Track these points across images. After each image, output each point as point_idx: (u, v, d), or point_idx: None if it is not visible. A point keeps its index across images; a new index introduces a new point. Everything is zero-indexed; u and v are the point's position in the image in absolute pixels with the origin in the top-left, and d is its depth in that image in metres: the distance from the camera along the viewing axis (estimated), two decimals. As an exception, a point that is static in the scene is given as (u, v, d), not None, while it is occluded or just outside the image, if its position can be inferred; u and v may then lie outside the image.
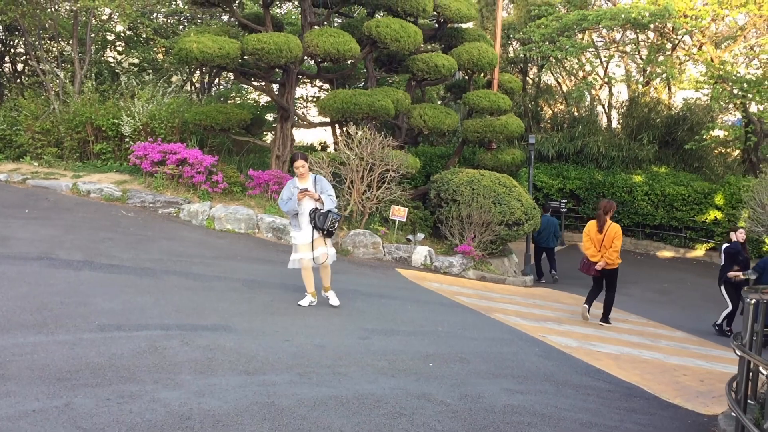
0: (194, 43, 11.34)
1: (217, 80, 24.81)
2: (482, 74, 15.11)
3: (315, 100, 24.17)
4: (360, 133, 11.62)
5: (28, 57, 21.64)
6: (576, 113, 23.46)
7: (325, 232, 7.42)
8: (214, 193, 12.19)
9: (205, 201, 11.89)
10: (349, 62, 13.91)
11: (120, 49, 22.10)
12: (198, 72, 24.63)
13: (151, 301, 6.94)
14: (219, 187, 12.18)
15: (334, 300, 7.89)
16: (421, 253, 11.80)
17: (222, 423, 4.19)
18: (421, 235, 12.43)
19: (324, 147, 27.90)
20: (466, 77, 15.34)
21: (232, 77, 25.24)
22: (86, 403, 4.29)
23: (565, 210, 19.49)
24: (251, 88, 23.94)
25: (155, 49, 20.74)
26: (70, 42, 17.13)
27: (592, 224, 9.57)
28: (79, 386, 4.56)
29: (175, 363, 5.26)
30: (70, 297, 6.72)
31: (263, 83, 14.07)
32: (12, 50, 21.85)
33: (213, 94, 23.48)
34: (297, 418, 4.39)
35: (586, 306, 9.76)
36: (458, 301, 9.56)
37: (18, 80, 21.05)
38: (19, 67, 22.24)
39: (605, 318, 9.65)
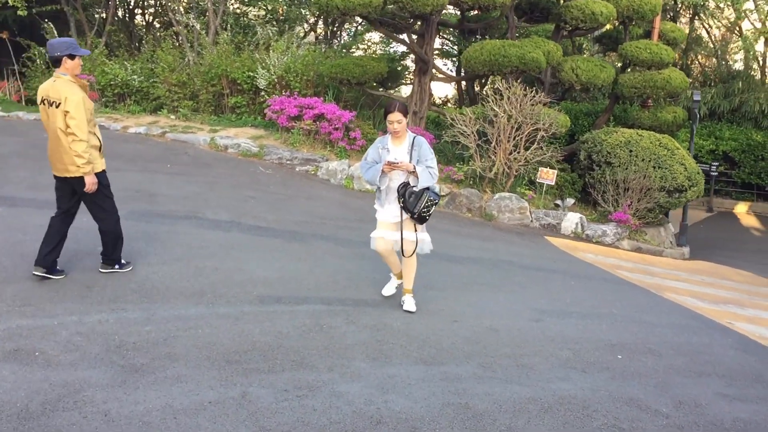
0: (336, -9, 10.71)
1: (339, 32, 24.27)
2: (639, 23, 13.67)
3: (440, 52, 23.18)
4: (510, 89, 10.69)
5: (159, 8, 21.91)
6: (730, 67, 21.30)
7: (416, 216, 5.34)
8: (352, 151, 11.69)
9: (342, 159, 11.41)
10: (497, 11, 12.85)
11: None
12: (322, 23, 24.20)
13: (305, 270, 6.50)
14: (357, 144, 11.66)
15: (410, 305, 5.76)
16: (571, 220, 10.86)
17: (419, 430, 3.62)
18: (570, 200, 11.47)
19: (445, 103, 26.99)
20: (621, 26, 13.93)
21: (354, 29, 24.72)
22: (263, 394, 3.84)
23: (716, 174, 17.75)
24: (380, 38, 23.37)
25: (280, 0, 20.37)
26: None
27: None
28: (252, 371, 4.13)
29: (345, 346, 4.76)
30: (224, 262, 6.38)
31: (403, 34, 13.31)
32: (144, 1, 22.15)
33: (335, 45, 22.94)
34: (502, 429, 3.76)
35: None
36: (622, 277, 8.64)
37: (150, 32, 21.34)
38: (150, 18, 22.55)
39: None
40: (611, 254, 10.24)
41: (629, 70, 13.22)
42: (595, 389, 4.56)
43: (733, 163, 18.55)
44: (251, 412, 3.61)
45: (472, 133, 10.91)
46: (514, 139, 10.92)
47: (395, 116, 5.30)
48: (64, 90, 5.11)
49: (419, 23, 13.14)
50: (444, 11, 13.52)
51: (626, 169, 11.09)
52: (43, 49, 15.92)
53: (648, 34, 13.51)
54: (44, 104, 5.21)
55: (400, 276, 5.92)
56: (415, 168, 5.29)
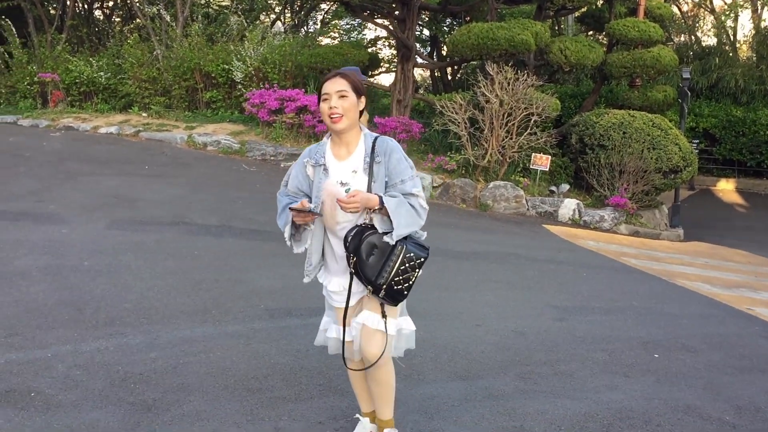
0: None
1: (306, 20, 23.63)
2: (624, 1, 13.37)
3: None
4: (501, 72, 10.30)
5: (119, 1, 21.02)
6: (701, 44, 21.22)
7: (384, 292, 2.83)
8: (338, 143, 11.21)
9: (328, 152, 10.93)
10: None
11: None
12: (288, 11, 23.56)
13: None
14: (343, 136, 11.17)
15: None
16: (569, 206, 10.56)
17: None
18: (566, 186, 11.16)
19: (416, 90, 26.55)
20: (606, 4, 13.59)
21: (321, 17, 24.12)
22: (297, 429, 3.41)
23: (697, 151, 17.67)
24: (349, 26, 22.85)
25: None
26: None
27: None
28: (278, 401, 3.69)
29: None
30: (222, 272, 5.92)
31: (385, 19, 12.84)
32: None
33: (301, 34, 22.30)
34: (568, 456, 3.39)
35: None
36: (629, 264, 8.37)
37: (113, 25, 20.49)
38: (109, 12, 21.66)
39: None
40: (612, 240, 9.97)
41: (616, 48, 12.93)
42: (648, 397, 4.21)
43: (714, 140, 18.49)
44: (289, 453, 3.18)
45: (463, 120, 10.51)
46: (506, 125, 10.55)
47: (334, 84, 2.80)
48: None
49: (400, 7, 12.68)
50: (425, -5, 13.07)
51: (620, 151, 10.81)
52: (2, 48, 15.14)
53: (633, 12, 13.22)
54: None
55: (373, 417, 3.21)
56: (381, 201, 2.75)
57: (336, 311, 3.09)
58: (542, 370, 4.54)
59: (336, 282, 3.01)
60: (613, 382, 4.46)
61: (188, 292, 5.33)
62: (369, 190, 2.83)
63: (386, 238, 2.78)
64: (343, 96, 2.78)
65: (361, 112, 2.93)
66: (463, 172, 10.93)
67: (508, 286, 6.59)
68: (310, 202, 2.89)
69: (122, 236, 6.67)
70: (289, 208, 2.79)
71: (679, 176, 11.05)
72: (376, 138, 2.94)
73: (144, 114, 13.23)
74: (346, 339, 3.02)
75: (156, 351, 4.23)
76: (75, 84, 14.09)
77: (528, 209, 10.56)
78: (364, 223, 2.82)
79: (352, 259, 2.80)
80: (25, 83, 14.51)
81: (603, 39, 16.05)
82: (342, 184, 2.87)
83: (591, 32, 14.85)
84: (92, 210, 7.53)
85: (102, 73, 14.15)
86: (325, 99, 2.82)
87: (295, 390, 3.85)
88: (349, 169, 2.89)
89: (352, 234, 2.80)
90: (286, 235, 2.95)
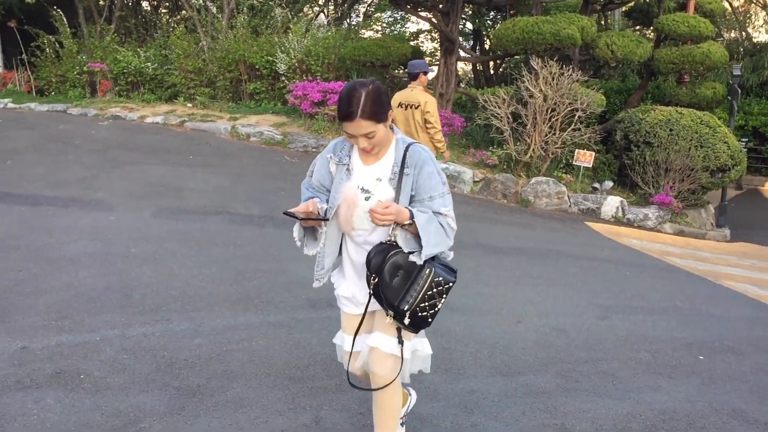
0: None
1: (349, 13, 23.66)
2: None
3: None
4: (546, 67, 10.18)
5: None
6: (752, 40, 20.65)
7: (408, 319, 2.55)
8: (379, 136, 11.21)
9: (369, 145, 10.95)
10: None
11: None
12: (332, 3, 23.64)
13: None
14: (384, 129, 11.17)
15: None
16: (612, 204, 10.40)
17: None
18: (609, 183, 10.98)
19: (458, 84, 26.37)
20: (655, -1, 13.33)
21: (364, 10, 24.11)
22: (338, 420, 3.44)
23: (746, 149, 17.23)
24: (393, 18, 22.80)
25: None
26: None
27: None
28: (319, 391, 3.73)
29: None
30: (264, 262, 5.98)
31: (429, 12, 12.79)
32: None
33: (344, 27, 22.32)
34: (610, 456, 3.35)
35: None
36: (674, 264, 8.20)
37: (160, 16, 20.79)
38: (156, 3, 21.98)
39: None
40: (656, 239, 9.79)
41: (664, 44, 12.67)
42: (692, 400, 4.14)
43: (763, 138, 18.02)
44: (330, 443, 3.21)
45: (506, 114, 10.42)
46: (550, 120, 10.43)
47: (358, 128, 2.45)
48: (422, 97, 7.21)
49: (444, 0, 12.60)
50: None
51: (667, 148, 10.60)
52: (53, 37, 15.48)
53: (682, 7, 12.91)
54: (401, 107, 7.25)
55: None
56: (411, 215, 2.47)
57: (344, 316, 2.88)
58: (584, 369, 4.49)
59: (346, 287, 2.80)
60: (656, 382, 4.40)
61: (231, 280, 5.40)
62: (397, 196, 2.58)
63: (413, 257, 2.50)
64: (369, 135, 2.47)
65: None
66: (505, 167, 10.84)
67: (549, 282, 6.52)
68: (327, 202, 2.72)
69: (167, 224, 6.79)
70: (284, 213, 2.53)
71: (727, 175, 10.79)
72: (408, 146, 2.62)
73: (189, 104, 13.42)
74: (354, 349, 2.79)
75: (200, 338, 4.30)
76: (123, 74, 14.36)
77: (570, 206, 10.43)
78: (388, 241, 2.54)
79: (374, 279, 2.53)
80: (75, 73, 14.82)
81: (650, 34, 15.75)
82: (363, 190, 2.60)
83: (638, 27, 14.56)
84: (138, 198, 7.68)
85: (149, 64, 14.39)
86: (351, 136, 2.52)
87: (336, 381, 3.88)
88: (374, 175, 2.61)
89: (374, 252, 2.52)
90: (296, 235, 2.66)
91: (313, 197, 2.64)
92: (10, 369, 3.70)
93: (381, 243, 2.56)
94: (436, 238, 2.49)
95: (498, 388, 4.00)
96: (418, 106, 7.15)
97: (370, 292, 2.58)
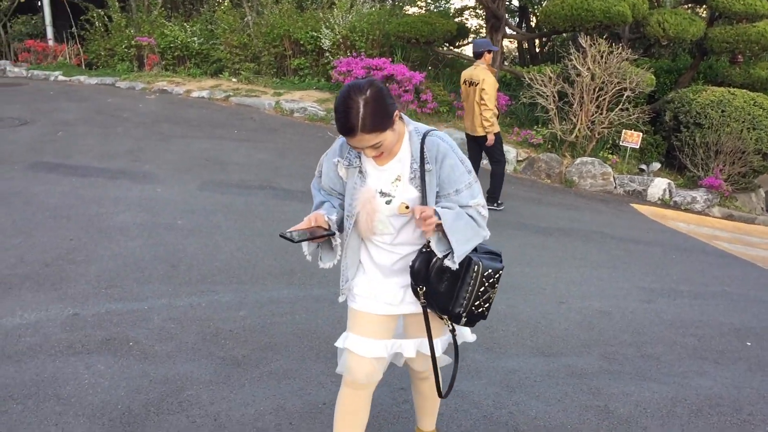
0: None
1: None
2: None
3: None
4: (594, 45, 9.96)
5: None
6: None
7: (465, 318, 2.44)
8: (422, 114, 11.15)
9: (412, 122, 10.89)
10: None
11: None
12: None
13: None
14: (428, 107, 11.12)
15: None
16: (659, 186, 10.19)
17: (561, 442, 3.21)
18: (656, 165, 10.75)
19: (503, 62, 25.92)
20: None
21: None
22: (379, 394, 3.46)
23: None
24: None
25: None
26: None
27: None
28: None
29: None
30: (308, 236, 6.01)
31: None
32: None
33: (392, 2, 22.14)
34: (654, 440, 3.32)
35: None
36: (722, 249, 8.02)
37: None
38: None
39: None
40: (703, 223, 9.58)
41: (717, 22, 12.27)
42: (739, 386, 4.06)
43: (820, 121, 17.35)
44: (372, 417, 3.24)
45: (552, 93, 10.25)
46: (597, 99, 10.23)
47: (362, 142, 2.17)
48: (483, 75, 7.40)
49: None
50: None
51: (717, 130, 10.31)
52: (102, 11, 15.70)
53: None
54: (465, 84, 7.65)
55: None
56: (435, 212, 2.22)
57: (358, 316, 2.51)
58: (628, 352, 4.44)
59: (366, 284, 2.50)
60: (702, 368, 4.33)
61: (275, 254, 5.46)
62: (423, 197, 2.33)
63: (447, 262, 2.27)
64: (375, 146, 2.20)
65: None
66: (549, 146, 10.69)
67: (592, 264, 6.45)
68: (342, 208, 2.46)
69: (213, 197, 6.88)
70: (281, 236, 2.24)
71: (780, 159, 10.46)
72: (425, 135, 2.34)
73: (234, 79, 13.51)
74: (379, 354, 2.50)
75: (245, 309, 4.37)
76: (170, 48, 14.50)
77: (615, 187, 10.25)
78: (426, 248, 2.33)
79: (421, 290, 2.36)
80: (123, 46, 15.03)
81: (703, 12, 15.25)
82: (383, 194, 2.33)
83: (690, 5, 14.10)
84: (184, 171, 7.79)
85: (195, 39, 14.50)
86: (355, 147, 2.25)
87: (378, 355, 3.90)
88: (392, 175, 2.34)
89: (418, 262, 2.33)
90: (305, 249, 2.39)
91: (324, 201, 2.46)
92: (63, 334, 3.82)
93: (421, 251, 2.35)
94: (468, 234, 2.30)
95: (540, 368, 3.99)
96: (478, 83, 7.41)
97: (423, 303, 2.40)
